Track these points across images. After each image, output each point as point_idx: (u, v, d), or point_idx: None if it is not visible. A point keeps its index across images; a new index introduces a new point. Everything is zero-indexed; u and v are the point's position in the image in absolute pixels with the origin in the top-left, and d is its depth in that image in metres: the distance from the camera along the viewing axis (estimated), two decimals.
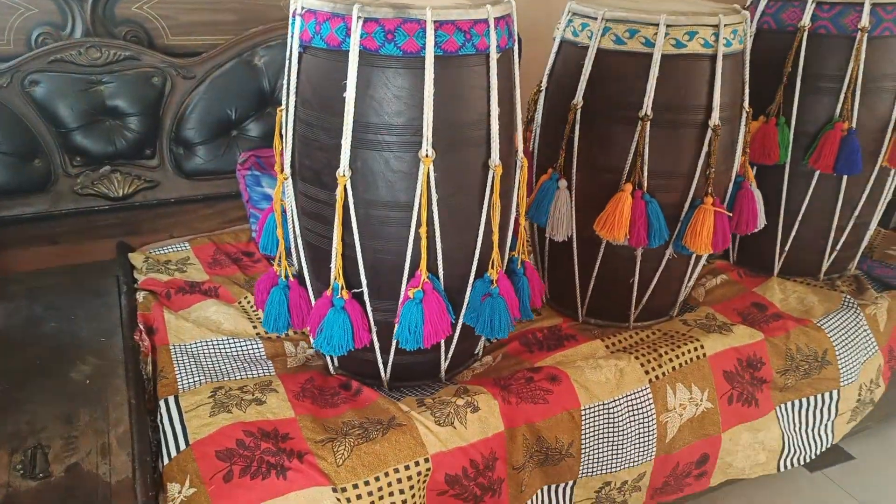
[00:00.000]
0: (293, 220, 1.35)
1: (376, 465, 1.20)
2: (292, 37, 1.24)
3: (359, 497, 1.17)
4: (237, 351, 1.52)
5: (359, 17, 1.12)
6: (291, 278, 1.40)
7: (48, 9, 1.84)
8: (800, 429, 1.66)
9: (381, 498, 1.19)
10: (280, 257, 1.40)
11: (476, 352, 1.54)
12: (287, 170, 1.31)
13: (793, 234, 1.84)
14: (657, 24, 1.37)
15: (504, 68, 1.25)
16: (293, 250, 1.40)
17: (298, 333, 1.59)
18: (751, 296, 1.80)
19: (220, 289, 1.72)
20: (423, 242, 1.23)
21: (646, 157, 1.44)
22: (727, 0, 1.66)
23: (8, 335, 1.59)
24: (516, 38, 1.30)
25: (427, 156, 1.18)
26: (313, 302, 1.39)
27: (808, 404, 1.65)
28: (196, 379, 1.41)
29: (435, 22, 1.13)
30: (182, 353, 1.49)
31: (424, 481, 1.24)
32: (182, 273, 1.80)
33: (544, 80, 1.60)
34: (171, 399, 1.34)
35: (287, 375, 1.43)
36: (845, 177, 1.75)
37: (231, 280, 1.78)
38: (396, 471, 1.21)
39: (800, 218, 1.82)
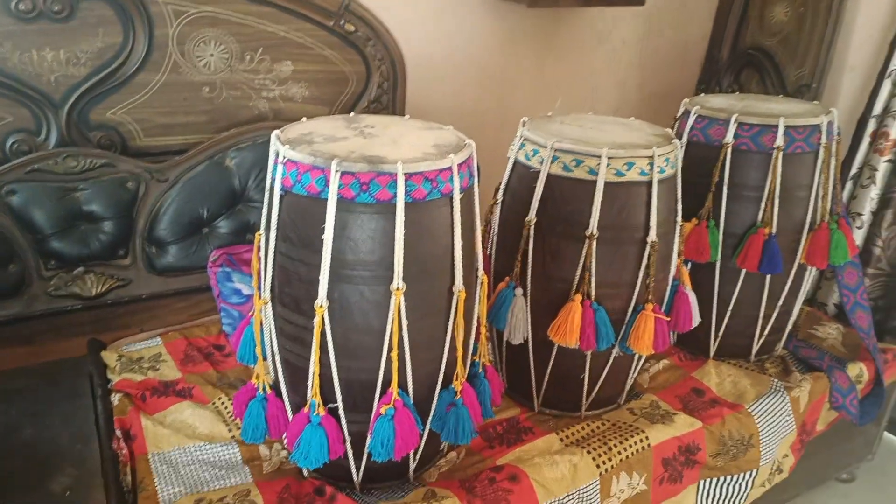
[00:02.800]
0: (271, 338, 1.45)
1: None
2: (274, 180, 1.35)
3: None
4: (214, 457, 1.60)
5: (337, 171, 1.25)
6: (268, 390, 1.50)
7: (23, 116, 1.91)
8: (716, 499, 1.82)
9: None
10: (259, 371, 1.49)
11: (441, 448, 1.66)
12: (266, 295, 1.42)
13: (725, 322, 2.03)
14: (600, 156, 1.54)
15: (466, 204, 1.39)
16: (271, 365, 1.49)
17: None
18: (690, 381, 1.97)
19: (193, 389, 1.80)
20: (395, 364, 1.35)
21: (593, 270, 1.60)
22: (659, 118, 1.86)
23: None
24: (476, 173, 1.45)
25: (398, 288, 1.31)
26: (289, 412, 1.49)
27: (729, 480, 1.82)
28: (176, 490, 1.48)
29: (405, 174, 1.27)
30: (161, 461, 1.56)
31: None
32: (155, 371, 1.87)
33: (500, 193, 1.75)
34: None
35: (264, 483, 1.51)
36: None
37: (204, 378, 1.85)
38: None
39: (730, 308, 2.01)
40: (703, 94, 2.11)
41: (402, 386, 1.40)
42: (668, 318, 1.68)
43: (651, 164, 1.57)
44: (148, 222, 2.03)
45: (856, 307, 2.12)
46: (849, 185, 2.44)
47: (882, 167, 2.35)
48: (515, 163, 1.71)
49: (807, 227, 1.93)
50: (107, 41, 1.96)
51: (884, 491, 2.39)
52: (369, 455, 1.46)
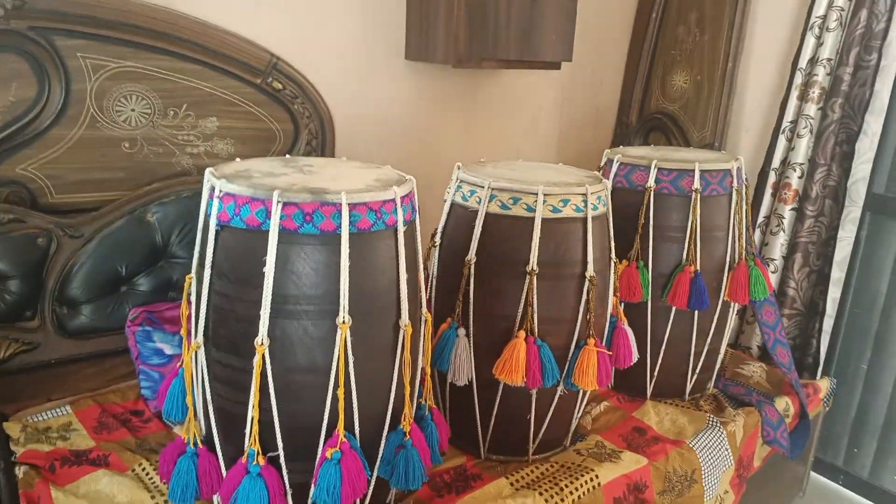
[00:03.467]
0: (203, 387, 1.36)
1: None
2: (209, 216, 1.30)
3: None
4: None
5: (279, 201, 1.22)
6: (200, 445, 1.38)
7: None
8: None
9: None
10: (189, 424, 1.38)
11: (388, 500, 1.57)
12: (199, 339, 1.33)
13: (659, 360, 2.07)
14: (536, 194, 1.58)
15: (409, 238, 1.38)
16: (202, 417, 1.39)
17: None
18: (631, 420, 1.98)
19: (110, 456, 1.64)
20: (341, 403, 1.28)
21: (535, 306, 1.61)
22: (586, 162, 1.94)
23: None
24: (417, 208, 1.45)
25: (344, 322, 1.26)
26: (223, 468, 1.38)
27: None
28: None
29: (349, 204, 1.25)
30: None
31: None
32: (65, 441, 1.70)
33: (438, 236, 1.75)
34: None
35: None
36: (696, 311, 2.02)
37: (121, 445, 1.70)
38: None
39: (663, 347, 2.06)
40: (621, 146, 2.23)
41: (349, 428, 1.32)
42: (610, 353, 1.70)
43: (585, 201, 1.62)
44: (59, 281, 1.89)
45: (776, 344, 2.22)
46: (758, 232, 2.61)
47: (788, 215, 2.53)
48: (453, 204, 1.73)
49: (727, 265, 2.03)
50: (19, 95, 1.87)
51: None
52: None
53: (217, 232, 1.29)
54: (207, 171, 1.35)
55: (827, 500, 2.61)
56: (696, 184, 1.94)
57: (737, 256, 2.04)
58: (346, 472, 1.28)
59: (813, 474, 2.72)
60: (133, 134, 2.05)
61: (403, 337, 1.36)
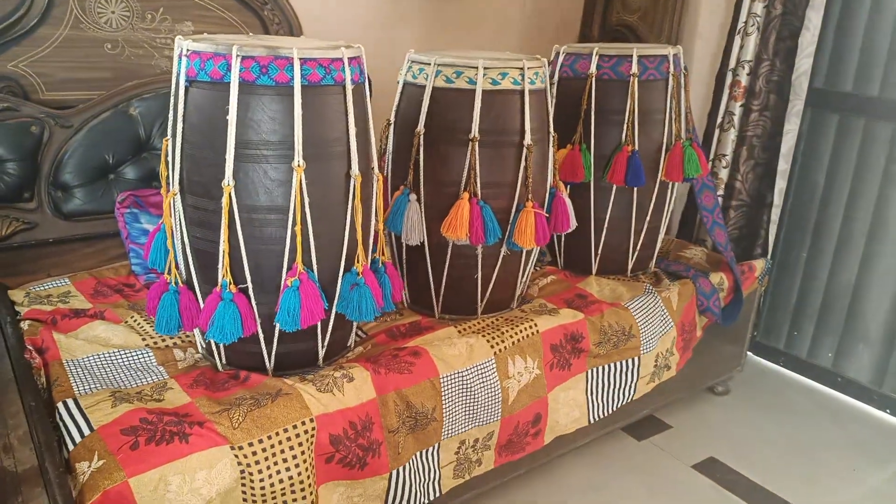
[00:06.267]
0: (181, 231, 1.55)
1: (268, 426, 1.40)
2: (178, 74, 1.48)
3: (254, 454, 1.36)
4: (129, 361, 1.65)
5: (237, 56, 1.40)
6: (181, 284, 1.59)
7: None
8: (607, 388, 2.04)
9: (273, 455, 1.39)
10: (169, 266, 1.59)
11: (349, 343, 1.78)
12: (175, 187, 1.52)
13: (602, 238, 2.27)
14: (477, 67, 1.76)
15: (358, 98, 1.56)
16: (181, 259, 1.59)
17: (185, 341, 1.75)
18: (574, 290, 2.19)
19: (105, 312, 1.85)
20: (298, 239, 1.49)
21: (477, 170, 1.79)
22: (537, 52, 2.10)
23: None
24: (366, 76, 1.62)
25: (299, 165, 1.45)
26: (201, 303, 1.58)
27: (615, 368, 2.04)
28: (92, 386, 1.53)
29: (300, 59, 1.42)
30: (75, 366, 1.60)
31: (311, 441, 1.45)
32: (65, 304, 1.91)
33: (392, 115, 1.93)
34: (70, 401, 1.46)
35: (179, 375, 1.59)
36: (636, 190, 2.21)
37: (115, 305, 1.91)
38: (286, 430, 1.41)
39: (606, 225, 2.25)
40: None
41: (307, 264, 1.53)
42: (547, 215, 1.89)
43: (522, 75, 1.80)
44: (53, 167, 2.08)
45: (714, 226, 2.42)
46: (716, 132, 2.77)
47: (738, 111, 2.70)
48: (405, 84, 1.90)
49: (664, 146, 2.21)
50: None
51: (753, 400, 2.67)
52: (280, 338, 1.58)
53: (186, 88, 1.47)
54: (177, 38, 1.52)
55: (766, 378, 2.85)
56: (634, 68, 2.11)
57: (673, 138, 2.22)
58: (305, 298, 1.49)
59: (755, 357, 2.96)
60: (115, 36, 2.21)
61: (354, 185, 1.55)
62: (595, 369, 2.01)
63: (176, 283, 1.58)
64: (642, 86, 2.14)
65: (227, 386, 1.54)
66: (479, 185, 1.80)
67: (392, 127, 1.93)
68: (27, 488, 1.26)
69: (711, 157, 2.75)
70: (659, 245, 2.39)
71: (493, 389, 1.77)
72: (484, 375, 1.76)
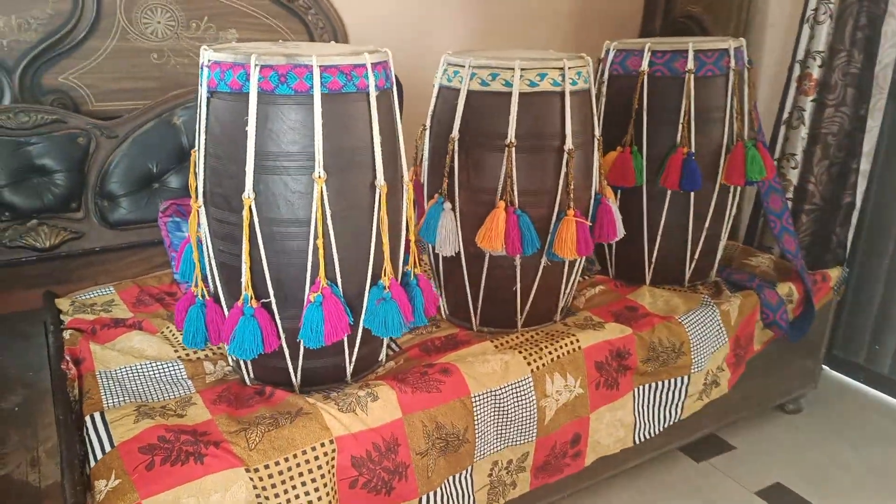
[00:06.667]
0: (207, 244, 1.53)
1: (286, 447, 1.35)
2: (201, 86, 1.45)
3: (270, 476, 1.32)
4: (159, 373, 1.65)
5: (256, 65, 1.35)
6: (207, 297, 1.57)
7: None
8: (653, 406, 1.90)
9: (291, 478, 1.34)
10: (196, 279, 1.57)
11: (380, 358, 1.72)
12: (200, 199, 1.50)
13: (656, 246, 2.13)
14: (513, 69, 1.66)
15: (384, 105, 1.49)
16: (209, 272, 1.57)
17: (217, 353, 1.74)
18: (624, 301, 2.06)
19: (143, 322, 1.86)
20: (321, 253, 1.43)
21: (514, 177, 1.70)
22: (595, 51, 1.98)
23: None
24: (394, 81, 1.55)
25: (319, 176, 1.40)
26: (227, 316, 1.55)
27: (662, 386, 1.90)
28: (120, 399, 1.53)
29: (320, 66, 1.37)
30: (107, 377, 1.61)
31: (331, 464, 1.40)
32: (107, 313, 1.93)
33: (428, 120, 1.86)
34: (97, 414, 1.46)
35: (206, 389, 1.57)
36: (692, 194, 2.05)
37: (154, 315, 1.91)
38: (304, 452, 1.36)
39: (660, 232, 2.11)
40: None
41: (331, 278, 1.47)
42: (591, 224, 1.77)
43: (563, 76, 1.68)
44: (99, 177, 2.11)
45: (783, 231, 2.23)
46: (782, 129, 2.57)
47: (808, 107, 2.49)
48: (440, 88, 1.82)
49: (724, 147, 2.05)
50: (56, 7, 2.07)
51: (828, 420, 2.46)
52: (306, 354, 1.53)
53: (208, 99, 1.44)
54: (202, 48, 1.49)
55: (845, 396, 2.62)
56: (690, 64, 1.96)
57: (735, 138, 2.05)
58: (328, 314, 1.43)
59: (832, 372, 2.72)
60: (160, 45, 2.23)
61: (380, 196, 1.48)
62: (641, 388, 1.88)
63: (203, 296, 1.56)
64: (699, 83, 1.98)
65: (250, 402, 1.50)
66: (516, 192, 1.71)
67: (428, 132, 1.85)
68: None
69: (778, 156, 2.54)
70: (720, 253, 2.22)
71: (529, 409, 1.67)
72: (520, 394, 1.66)
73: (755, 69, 2.08)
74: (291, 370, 1.57)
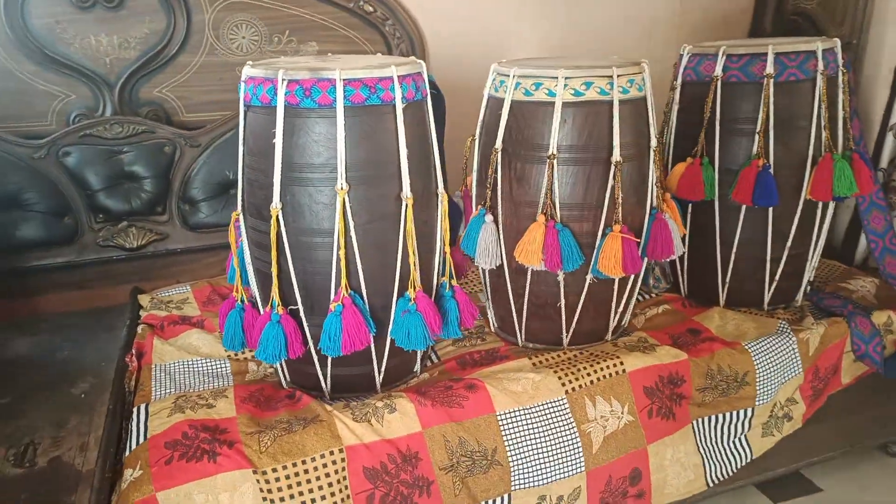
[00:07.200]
0: (245, 251, 1.60)
1: (295, 452, 1.38)
2: (240, 101, 1.52)
3: (277, 480, 1.35)
4: (207, 369, 1.74)
5: (283, 80, 1.40)
6: (247, 302, 1.63)
7: (83, 94, 2.23)
8: (714, 442, 1.73)
9: (298, 483, 1.37)
10: (238, 285, 1.64)
11: (415, 369, 1.71)
12: (239, 207, 1.57)
13: (731, 265, 1.96)
14: (557, 77, 1.59)
15: (412, 117, 1.48)
16: (249, 278, 1.63)
17: None
18: (689, 323, 1.91)
19: (205, 321, 1.97)
20: (343, 263, 1.45)
21: (555, 190, 1.63)
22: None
23: (27, 360, 1.87)
24: (427, 92, 1.54)
25: (342, 188, 1.41)
26: None
27: (723, 420, 1.73)
28: (167, 391, 1.64)
29: (343, 80, 1.38)
30: (160, 370, 1.72)
31: (341, 473, 1.40)
32: (178, 310, 2.07)
33: (477, 130, 1.83)
34: (143, 406, 1.56)
35: (241, 386, 1.64)
36: (771, 210, 1.87)
37: (217, 314, 2.02)
38: (313, 459, 1.38)
39: (734, 250, 1.93)
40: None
41: (355, 288, 1.48)
42: (638, 240, 1.66)
43: (611, 84, 1.59)
44: (182, 183, 2.27)
45: (885, 252, 1.98)
46: (888, 137, 2.29)
47: None
48: (488, 98, 1.78)
49: (810, 159, 1.84)
50: (152, 27, 2.25)
51: None
52: (335, 362, 1.56)
53: (245, 113, 1.51)
54: (248, 62, 1.56)
55: None
56: (769, 68, 1.78)
57: (822, 149, 1.84)
58: (346, 324, 1.44)
59: None
60: (245, 59, 2.35)
61: (406, 208, 1.48)
62: (700, 420, 1.73)
63: (242, 300, 1.63)
64: (780, 88, 1.80)
65: (277, 405, 1.55)
66: (558, 206, 1.63)
67: (477, 142, 1.82)
68: (82, 488, 1.38)
69: (882, 168, 2.25)
70: (809, 274, 2.00)
71: (569, 433, 1.59)
72: (554, 416, 1.58)
73: (857, 72, 1.85)
74: (321, 376, 1.60)
